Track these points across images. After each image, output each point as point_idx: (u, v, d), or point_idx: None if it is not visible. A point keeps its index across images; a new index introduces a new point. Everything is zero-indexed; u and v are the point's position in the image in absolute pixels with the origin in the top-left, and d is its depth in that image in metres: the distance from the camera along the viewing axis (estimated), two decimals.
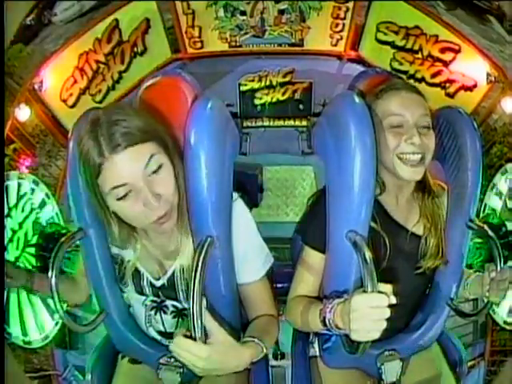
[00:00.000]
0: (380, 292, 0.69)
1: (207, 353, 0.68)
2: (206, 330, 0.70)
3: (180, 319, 0.95)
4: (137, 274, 0.92)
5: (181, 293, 0.91)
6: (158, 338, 0.99)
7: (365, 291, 0.70)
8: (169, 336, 0.98)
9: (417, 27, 2.29)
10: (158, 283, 0.92)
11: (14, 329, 1.93)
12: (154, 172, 0.75)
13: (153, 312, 0.96)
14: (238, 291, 0.92)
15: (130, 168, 0.73)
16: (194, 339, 0.68)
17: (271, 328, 0.90)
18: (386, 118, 0.89)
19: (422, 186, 0.96)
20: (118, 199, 0.75)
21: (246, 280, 0.91)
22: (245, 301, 0.93)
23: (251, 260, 0.90)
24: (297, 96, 2.61)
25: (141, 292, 0.94)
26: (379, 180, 0.90)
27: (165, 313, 0.95)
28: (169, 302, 0.94)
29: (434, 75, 2.32)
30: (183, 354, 0.68)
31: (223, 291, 0.87)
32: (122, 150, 0.72)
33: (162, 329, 0.98)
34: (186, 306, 0.93)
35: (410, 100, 0.89)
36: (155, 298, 0.94)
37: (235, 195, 0.89)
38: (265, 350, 0.80)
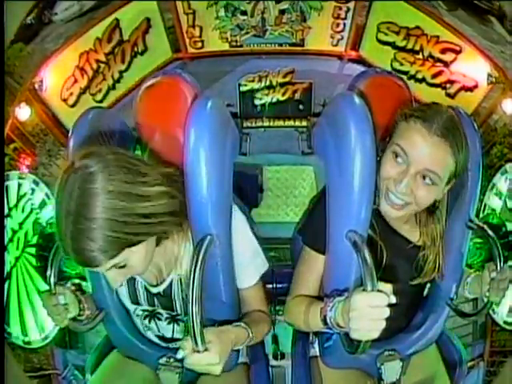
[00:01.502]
0: (379, 291, 0.69)
1: (218, 358, 0.70)
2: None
3: (175, 324, 0.95)
4: (131, 279, 0.91)
5: (177, 303, 0.91)
6: (157, 341, 0.99)
7: (364, 290, 0.70)
8: (168, 340, 0.98)
9: (418, 28, 2.29)
10: (154, 290, 0.91)
11: (14, 329, 1.94)
12: (119, 267, 0.75)
13: (146, 321, 0.96)
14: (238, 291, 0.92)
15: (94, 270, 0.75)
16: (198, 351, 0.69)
17: (261, 320, 0.91)
18: (394, 144, 0.83)
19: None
20: None
21: (240, 286, 0.91)
22: (240, 301, 0.94)
23: (246, 267, 0.90)
24: (297, 96, 2.61)
25: (135, 299, 0.93)
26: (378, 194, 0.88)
27: (159, 319, 0.95)
28: (162, 310, 0.94)
29: (434, 76, 2.32)
30: (200, 369, 0.71)
31: (222, 291, 0.87)
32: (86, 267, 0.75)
33: (159, 334, 0.98)
34: (180, 317, 0.93)
35: (429, 148, 0.79)
36: (146, 307, 0.94)
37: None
38: (251, 335, 0.83)
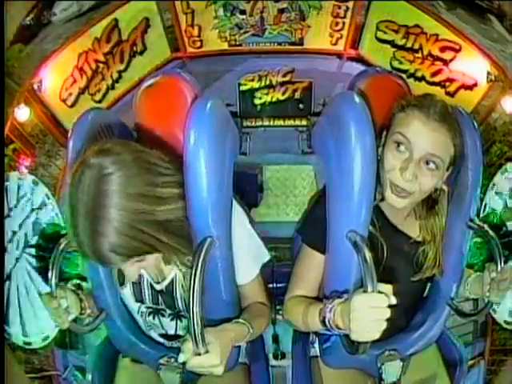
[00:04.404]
0: (380, 292, 0.69)
1: (219, 359, 0.70)
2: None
3: (178, 321, 0.95)
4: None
5: (179, 301, 0.91)
6: (161, 340, 0.99)
7: (365, 291, 0.69)
8: (170, 338, 0.98)
9: (417, 26, 2.29)
10: (158, 287, 0.92)
11: (14, 329, 1.94)
12: (137, 261, 0.76)
13: (150, 317, 0.96)
14: (238, 290, 0.92)
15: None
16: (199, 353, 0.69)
17: (260, 313, 0.91)
18: (395, 134, 0.85)
19: (427, 199, 0.93)
20: None
21: (241, 282, 0.91)
22: (240, 296, 0.94)
23: (244, 261, 0.90)
24: (297, 95, 2.60)
25: (139, 297, 0.93)
26: (382, 188, 0.89)
27: (163, 316, 0.95)
28: (165, 307, 0.94)
29: (434, 74, 2.32)
30: (202, 371, 0.71)
31: (223, 291, 0.87)
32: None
33: (162, 331, 0.98)
34: (183, 313, 0.93)
35: (429, 133, 0.82)
36: (151, 305, 0.94)
37: None
38: (251, 330, 0.83)
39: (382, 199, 0.90)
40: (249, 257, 0.90)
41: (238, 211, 0.88)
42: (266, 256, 0.94)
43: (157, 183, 0.71)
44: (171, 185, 0.73)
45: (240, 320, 0.83)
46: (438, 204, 0.94)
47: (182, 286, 0.89)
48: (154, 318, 0.96)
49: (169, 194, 0.72)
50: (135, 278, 0.79)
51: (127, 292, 0.94)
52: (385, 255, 0.89)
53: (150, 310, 0.95)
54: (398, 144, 0.84)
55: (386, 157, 0.85)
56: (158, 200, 0.70)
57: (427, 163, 0.83)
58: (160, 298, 0.92)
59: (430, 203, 0.93)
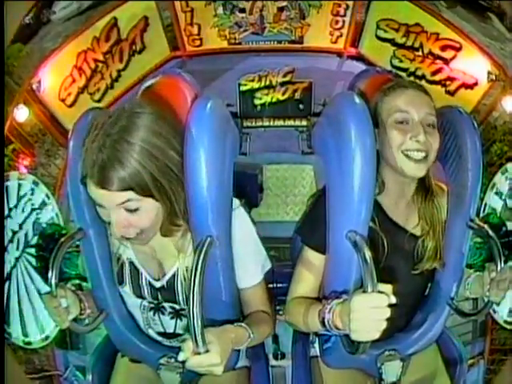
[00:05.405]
0: (380, 292, 0.69)
1: (219, 359, 0.70)
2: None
3: (178, 320, 0.95)
4: (135, 272, 0.92)
5: (180, 296, 0.91)
6: (159, 338, 0.99)
7: (365, 291, 0.69)
8: (169, 336, 0.98)
9: (417, 24, 2.29)
10: (158, 284, 0.92)
11: (15, 329, 1.94)
12: (129, 210, 0.78)
13: (151, 313, 0.96)
14: (238, 292, 0.92)
15: (105, 199, 0.77)
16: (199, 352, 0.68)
17: (262, 321, 0.91)
18: (391, 115, 0.89)
19: (423, 189, 0.96)
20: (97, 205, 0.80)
21: (244, 285, 0.91)
22: (242, 303, 0.94)
23: (249, 266, 0.90)
24: (297, 96, 2.60)
25: (139, 294, 0.93)
26: (379, 179, 0.90)
27: (163, 314, 0.95)
28: (166, 304, 0.94)
29: (434, 73, 2.32)
30: (202, 370, 0.71)
31: (223, 291, 0.87)
32: (98, 187, 0.75)
33: (161, 330, 0.98)
34: (183, 312, 0.93)
35: (416, 98, 0.90)
36: (152, 300, 0.94)
37: (237, 203, 0.88)
38: (251, 336, 0.83)
39: (380, 192, 0.91)
40: (254, 262, 0.91)
41: (243, 215, 0.89)
42: (268, 265, 0.95)
43: (174, 137, 0.79)
44: (179, 145, 0.80)
45: (242, 324, 0.83)
46: (432, 194, 0.96)
47: (185, 278, 0.88)
48: (154, 314, 0.96)
49: (180, 150, 0.79)
50: (119, 234, 0.78)
51: (126, 290, 0.94)
52: (386, 250, 0.90)
53: (152, 305, 0.95)
54: (399, 121, 0.88)
55: (392, 137, 0.88)
56: (174, 148, 0.78)
57: (428, 125, 0.88)
58: (159, 294, 0.92)
59: (424, 190, 0.96)
